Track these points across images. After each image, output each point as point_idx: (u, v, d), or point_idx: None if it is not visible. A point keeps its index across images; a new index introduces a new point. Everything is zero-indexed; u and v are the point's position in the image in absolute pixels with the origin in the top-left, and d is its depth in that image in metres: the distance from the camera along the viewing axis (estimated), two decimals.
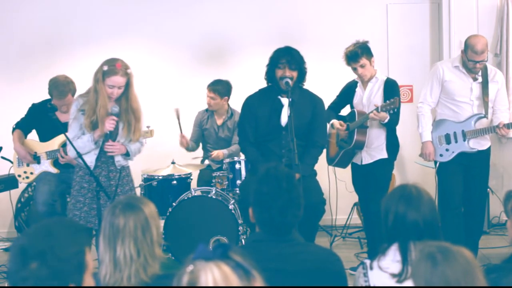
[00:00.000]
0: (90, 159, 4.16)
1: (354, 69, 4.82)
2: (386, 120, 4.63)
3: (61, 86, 4.97)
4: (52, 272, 1.64)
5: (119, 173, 4.22)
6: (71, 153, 4.16)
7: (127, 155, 4.25)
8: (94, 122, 4.10)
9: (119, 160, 4.23)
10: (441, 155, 4.82)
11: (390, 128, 4.81)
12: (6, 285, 4.82)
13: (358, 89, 4.93)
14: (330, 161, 5.19)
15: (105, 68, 4.06)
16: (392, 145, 4.87)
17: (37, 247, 1.66)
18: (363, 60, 4.75)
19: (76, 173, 4.26)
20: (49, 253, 1.66)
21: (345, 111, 5.13)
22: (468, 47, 4.63)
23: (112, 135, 4.16)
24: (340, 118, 5.06)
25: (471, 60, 4.62)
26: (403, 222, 2.33)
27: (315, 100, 4.55)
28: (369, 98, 4.85)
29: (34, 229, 1.75)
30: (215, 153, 5.55)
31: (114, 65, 4.06)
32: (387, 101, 4.57)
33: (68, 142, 4.14)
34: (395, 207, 2.36)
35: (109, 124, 4.08)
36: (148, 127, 4.96)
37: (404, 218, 2.34)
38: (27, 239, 1.69)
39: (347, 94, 5.02)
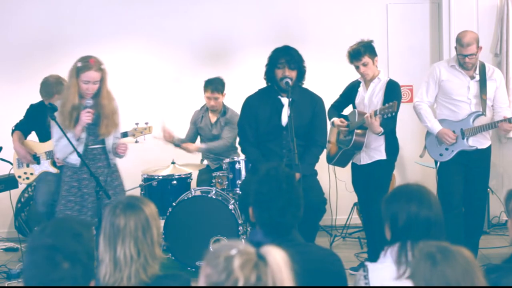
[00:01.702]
0: (76, 157, 4.17)
1: (357, 68, 4.80)
2: (379, 133, 4.62)
3: (48, 87, 4.99)
4: (84, 270, 1.66)
5: (108, 169, 4.26)
6: (58, 154, 4.24)
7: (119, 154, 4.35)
8: (65, 120, 4.13)
9: (112, 158, 4.30)
10: (441, 155, 4.82)
11: (389, 130, 4.81)
12: (6, 285, 4.82)
13: (361, 89, 4.91)
14: (329, 159, 5.18)
15: (79, 64, 4.15)
16: (391, 146, 4.85)
17: (69, 247, 1.66)
18: (366, 59, 4.74)
19: (64, 173, 4.29)
20: (80, 252, 1.66)
21: (348, 110, 5.12)
22: (457, 42, 4.68)
23: (94, 132, 4.23)
24: (342, 117, 5.05)
25: (459, 54, 4.65)
26: (416, 221, 2.30)
27: (315, 99, 4.55)
28: (371, 98, 4.84)
29: (54, 228, 1.72)
30: (185, 145, 5.57)
31: (87, 61, 4.15)
32: (386, 105, 4.54)
33: (53, 144, 4.25)
34: (407, 207, 2.32)
35: (85, 117, 4.12)
36: (146, 123, 4.97)
37: (417, 218, 2.30)
38: (54, 239, 1.67)
39: (350, 93, 5.01)
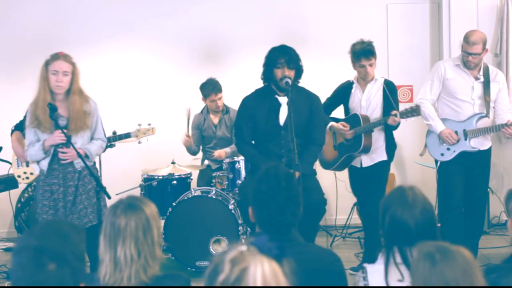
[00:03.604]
0: (44, 163, 4.15)
1: (362, 66, 4.75)
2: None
3: None
4: (72, 271, 1.65)
5: (78, 174, 4.18)
6: (29, 158, 4.21)
7: (86, 157, 4.18)
8: (37, 117, 4.07)
9: (78, 161, 4.16)
10: (442, 154, 4.81)
11: (391, 130, 4.81)
12: (6, 285, 4.82)
13: (356, 90, 4.89)
14: (327, 165, 5.13)
15: (48, 57, 4.14)
16: (391, 146, 4.88)
17: (55, 248, 1.65)
18: (373, 60, 4.75)
19: (38, 177, 4.26)
20: (68, 253, 1.66)
21: (337, 112, 5.09)
22: (463, 40, 4.67)
23: (66, 143, 4.13)
24: (336, 120, 5.01)
25: (464, 51, 4.64)
26: (398, 226, 2.30)
27: (312, 98, 4.53)
28: (368, 99, 4.83)
29: (41, 230, 1.73)
30: (217, 153, 5.54)
31: (56, 53, 4.14)
32: (408, 108, 4.57)
33: (25, 149, 4.20)
34: (392, 211, 2.33)
35: (58, 138, 4.05)
36: (149, 124, 4.96)
37: (399, 222, 2.30)
38: (39, 240, 1.67)
39: (341, 95, 4.97)
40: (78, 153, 4.06)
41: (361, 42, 4.78)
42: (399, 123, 4.67)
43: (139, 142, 4.98)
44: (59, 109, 4.12)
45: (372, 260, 2.40)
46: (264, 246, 1.52)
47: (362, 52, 4.71)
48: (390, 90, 4.79)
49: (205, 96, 5.64)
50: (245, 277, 1.44)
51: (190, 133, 5.68)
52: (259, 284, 1.43)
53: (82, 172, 4.19)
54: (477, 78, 4.72)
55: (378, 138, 4.82)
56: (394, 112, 4.60)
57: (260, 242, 1.53)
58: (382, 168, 4.87)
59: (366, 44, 4.74)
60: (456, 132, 4.74)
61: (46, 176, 4.17)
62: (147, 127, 4.94)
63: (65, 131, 4.07)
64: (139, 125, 4.93)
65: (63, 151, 4.09)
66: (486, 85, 4.71)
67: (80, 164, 4.18)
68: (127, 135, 4.97)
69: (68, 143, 4.07)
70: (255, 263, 1.46)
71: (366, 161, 4.86)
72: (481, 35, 4.65)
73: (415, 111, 4.52)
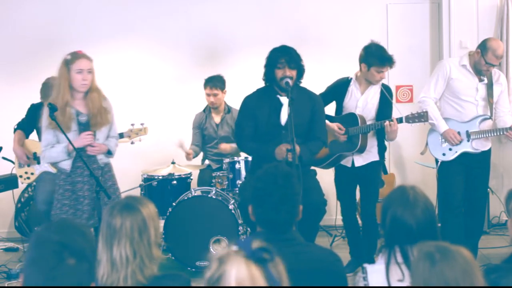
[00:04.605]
0: (67, 163, 4.14)
1: (380, 72, 4.69)
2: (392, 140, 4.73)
3: (48, 89, 4.96)
4: (89, 269, 1.66)
5: (101, 170, 4.22)
6: (47, 160, 4.22)
7: (109, 153, 4.26)
8: (56, 118, 4.07)
9: (101, 158, 4.22)
10: (443, 154, 4.81)
11: (383, 133, 4.81)
12: (6, 285, 4.83)
13: (353, 90, 4.83)
14: (315, 162, 5.02)
15: (68, 57, 4.12)
16: (382, 147, 4.88)
17: (76, 244, 1.66)
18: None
19: (58, 177, 4.24)
20: (87, 250, 1.67)
21: (328, 109, 5.07)
22: (489, 50, 4.58)
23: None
24: (329, 118, 4.97)
25: (488, 63, 4.60)
26: (400, 225, 2.30)
27: (314, 98, 4.52)
28: (365, 101, 4.79)
29: (60, 226, 1.73)
30: (223, 145, 5.57)
31: (76, 52, 4.14)
32: (415, 113, 4.56)
33: (41, 150, 4.20)
34: (393, 210, 2.33)
35: (85, 140, 4.09)
36: (142, 124, 4.94)
37: (401, 222, 2.30)
38: (61, 235, 1.67)
39: (337, 92, 4.89)
40: (109, 150, 4.18)
41: (382, 47, 4.73)
42: (394, 138, 4.69)
43: (132, 143, 4.96)
44: (78, 107, 4.17)
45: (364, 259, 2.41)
46: (247, 249, 1.53)
47: (388, 60, 4.67)
48: (389, 94, 4.80)
49: (203, 87, 5.68)
50: (223, 277, 1.47)
51: (189, 150, 5.69)
52: (233, 285, 1.45)
53: (104, 168, 4.25)
54: (481, 80, 4.72)
55: (371, 138, 4.81)
56: (394, 119, 4.58)
57: (243, 245, 1.54)
58: (375, 168, 4.87)
59: (387, 52, 4.72)
60: (458, 133, 4.74)
61: (68, 175, 4.16)
62: (140, 127, 4.92)
63: (90, 132, 4.11)
64: (132, 125, 4.91)
65: (92, 144, 4.12)
66: (490, 87, 4.72)
67: (103, 161, 4.24)
68: (120, 135, 4.97)
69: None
70: (232, 265, 1.48)
71: (359, 160, 4.83)
72: (503, 45, 4.68)
73: (422, 117, 4.50)
